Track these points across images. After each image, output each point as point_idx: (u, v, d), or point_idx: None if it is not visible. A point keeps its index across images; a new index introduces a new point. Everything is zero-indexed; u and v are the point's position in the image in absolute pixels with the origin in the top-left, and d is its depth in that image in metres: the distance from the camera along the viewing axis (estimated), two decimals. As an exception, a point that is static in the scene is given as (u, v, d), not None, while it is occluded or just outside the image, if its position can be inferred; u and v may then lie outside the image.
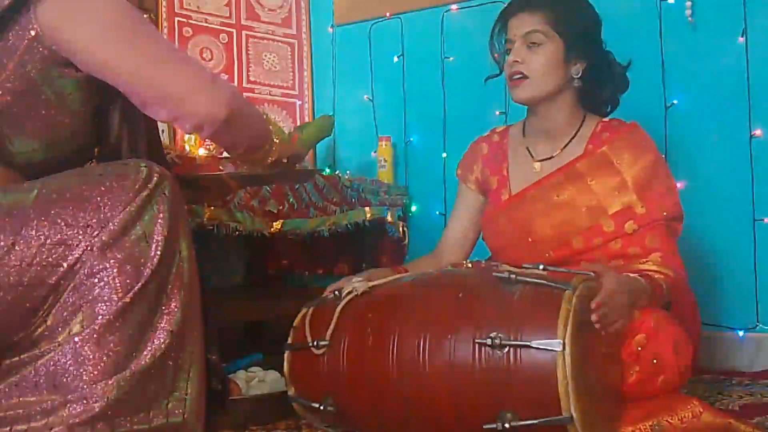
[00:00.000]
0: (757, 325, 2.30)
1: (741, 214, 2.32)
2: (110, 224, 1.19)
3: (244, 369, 2.01)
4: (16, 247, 1.17)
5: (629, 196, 1.75)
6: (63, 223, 1.18)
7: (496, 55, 1.92)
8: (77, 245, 1.18)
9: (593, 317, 1.40)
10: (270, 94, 3.04)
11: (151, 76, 1.27)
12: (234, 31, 2.98)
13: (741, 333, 2.31)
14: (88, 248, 1.18)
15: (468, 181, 2.01)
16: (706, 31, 2.38)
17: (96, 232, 1.18)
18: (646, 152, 1.79)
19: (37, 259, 1.17)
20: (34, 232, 1.18)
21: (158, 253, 1.21)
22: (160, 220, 1.22)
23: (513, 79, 1.82)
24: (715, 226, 2.34)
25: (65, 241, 1.18)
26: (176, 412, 1.23)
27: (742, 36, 2.32)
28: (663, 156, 1.84)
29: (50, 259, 1.18)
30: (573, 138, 1.85)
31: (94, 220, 1.19)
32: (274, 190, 2.15)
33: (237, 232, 2.04)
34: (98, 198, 1.20)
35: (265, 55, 3.06)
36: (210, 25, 2.91)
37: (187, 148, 2.41)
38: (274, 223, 2.15)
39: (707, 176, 2.35)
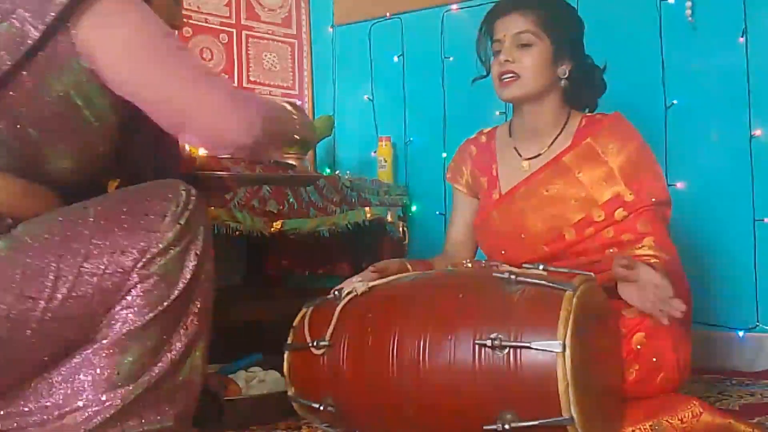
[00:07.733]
0: (757, 325, 2.30)
1: (741, 214, 2.32)
2: (156, 246, 1.21)
3: (244, 369, 2.01)
4: (81, 278, 1.19)
5: (617, 185, 1.75)
6: (119, 251, 1.20)
7: (483, 62, 1.92)
8: (131, 271, 1.20)
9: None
10: (270, 94, 3.04)
11: (178, 102, 1.26)
12: (234, 31, 2.98)
13: (741, 333, 2.31)
14: (137, 270, 1.20)
15: (458, 183, 2.02)
16: (706, 31, 2.37)
17: (146, 257, 1.21)
18: (631, 140, 1.80)
19: (99, 288, 1.19)
20: (96, 262, 1.19)
21: (191, 272, 1.24)
22: (197, 241, 1.25)
23: (503, 80, 1.82)
24: (715, 226, 2.34)
25: (122, 268, 1.20)
26: (170, 414, 1.24)
27: (742, 36, 2.32)
28: (647, 143, 1.84)
29: (109, 286, 1.20)
30: (559, 134, 1.86)
31: (144, 244, 1.21)
32: (274, 190, 2.15)
33: (237, 232, 2.04)
34: (149, 224, 1.22)
35: (265, 55, 3.06)
36: (210, 25, 2.91)
37: (187, 147, 2.41)
38: (274, 223, 2.14)
39: (707, 176, 2.35)
